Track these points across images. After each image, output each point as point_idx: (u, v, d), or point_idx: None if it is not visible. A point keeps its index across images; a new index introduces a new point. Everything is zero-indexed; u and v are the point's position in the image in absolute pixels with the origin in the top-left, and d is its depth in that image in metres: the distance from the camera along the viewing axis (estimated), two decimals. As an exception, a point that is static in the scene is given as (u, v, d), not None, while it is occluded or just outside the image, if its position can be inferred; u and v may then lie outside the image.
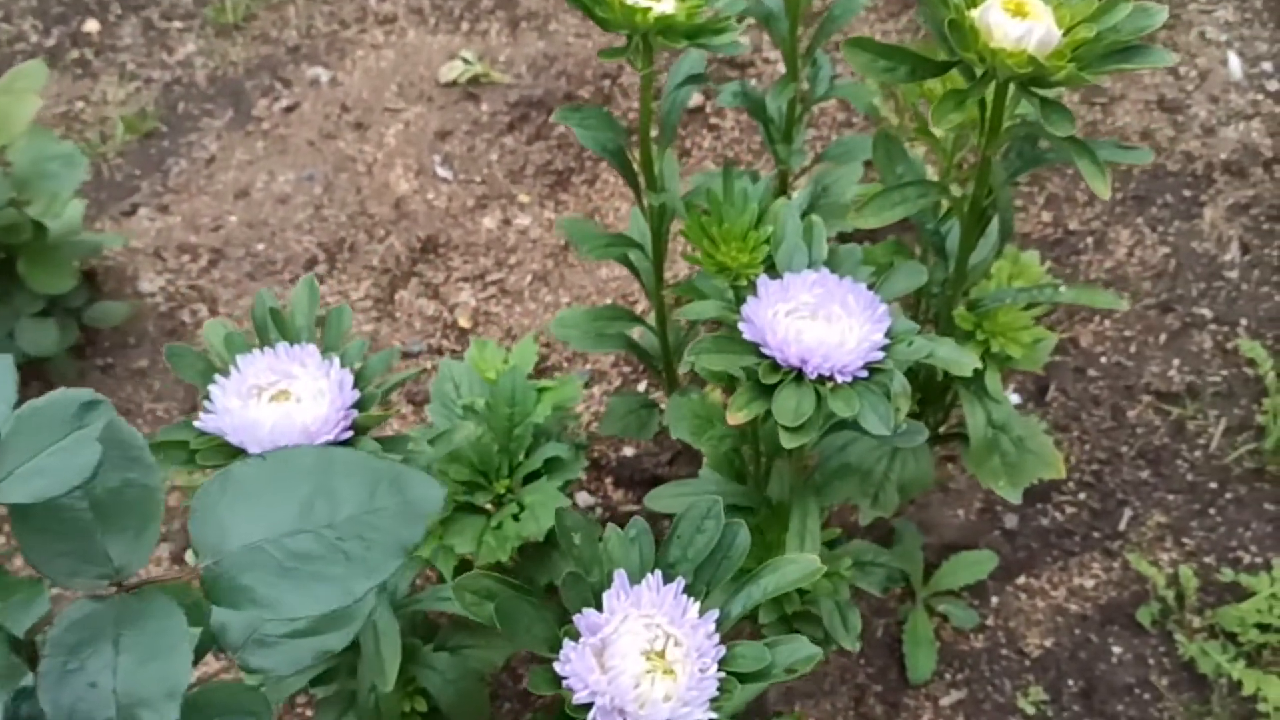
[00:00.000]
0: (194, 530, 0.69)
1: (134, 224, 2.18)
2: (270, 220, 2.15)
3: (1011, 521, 1.78)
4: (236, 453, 0.98)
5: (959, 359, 1.07)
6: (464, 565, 1.41)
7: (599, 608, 0.87)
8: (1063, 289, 1.41)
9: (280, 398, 1.01)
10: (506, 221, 2.16)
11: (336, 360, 1.02)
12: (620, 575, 0.88)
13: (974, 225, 1.23)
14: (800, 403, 1.03)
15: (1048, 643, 1.68)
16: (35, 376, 1.93)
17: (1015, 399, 1.90)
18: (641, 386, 1.95)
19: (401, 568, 1.05)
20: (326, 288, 2.06)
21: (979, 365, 1.07)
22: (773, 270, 1.14)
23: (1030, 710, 1.62)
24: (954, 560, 1.70)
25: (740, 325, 1.07)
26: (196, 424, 0.99)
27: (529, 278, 2.08)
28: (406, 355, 2.00)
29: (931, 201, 1.20)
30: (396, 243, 2.10)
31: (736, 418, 1.04)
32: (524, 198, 2.18)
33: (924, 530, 1.74)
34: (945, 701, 1.63)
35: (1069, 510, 1.79)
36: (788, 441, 1.01)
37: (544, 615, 0.86)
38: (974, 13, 1.05)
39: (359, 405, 1.03)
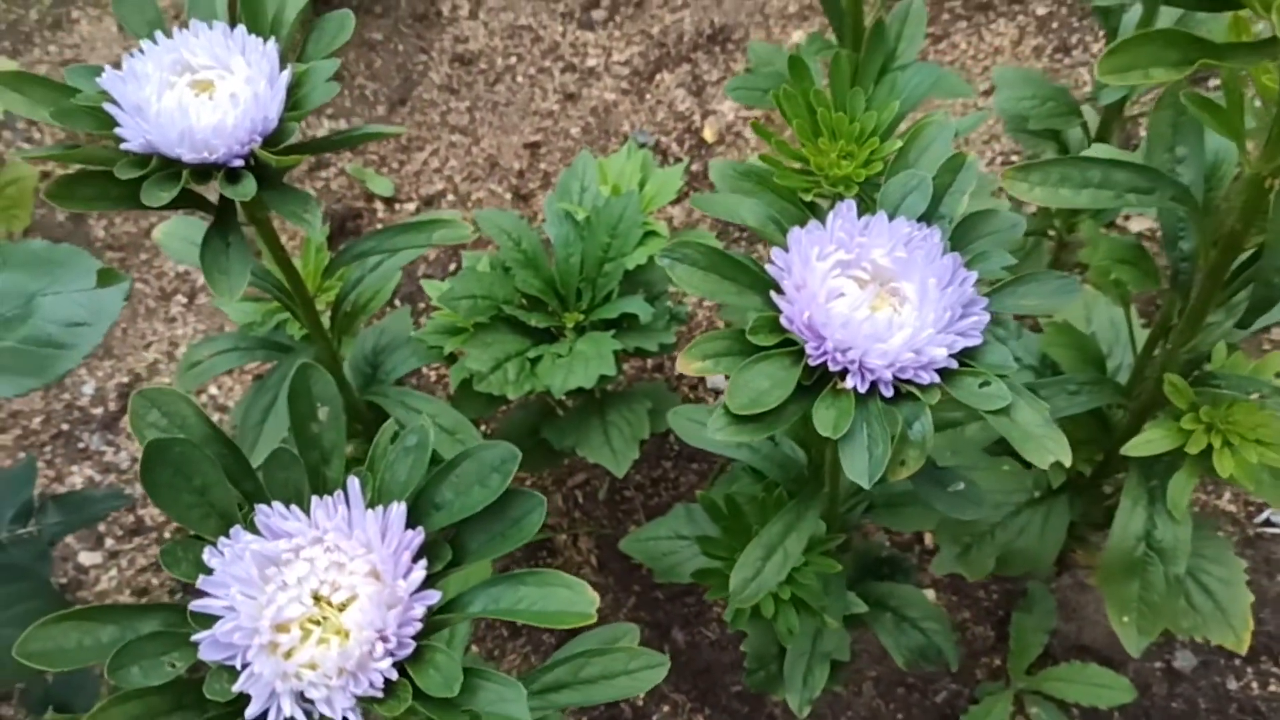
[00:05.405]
0: None
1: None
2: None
3: (1186, 660, 1.33)
4: (107, 124, 0.79)
5: (1036, 439, 0.70)
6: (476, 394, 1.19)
7: (307, 509, 0.63)
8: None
9: (202, 88, 0.81)
10: (824, 45, 1.81)
11: (267, 49, 0.80)
12: (354, 485, 0.63)
13: (1226, 261, 0.81)
14: (773, 388, 0.71)
15: (1143, 823, 1.27)
16: None
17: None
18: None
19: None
20: (593, 35, 1.82)
21: (1062, 460, 0.69)
22: (868, 199, 0.79)
23: None
24: (1079, 667, 1.30)
25: (774, 252, 0.75)
26: (100, 79, 0.81)
27: (804, 115, 1.74)
28: (641, 146, 1.75)
29: (1168, 201, 0.79)
30: (688, 18, 1.82)
31: (686, 365, 0.74)
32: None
33: (1064, 613, 1.34)
34: (970, 815, 1.28)
35: (1274, 688, 1.32)
36: (719, 431, 0.70)
37: (223, 480, 0.63)
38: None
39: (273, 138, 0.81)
